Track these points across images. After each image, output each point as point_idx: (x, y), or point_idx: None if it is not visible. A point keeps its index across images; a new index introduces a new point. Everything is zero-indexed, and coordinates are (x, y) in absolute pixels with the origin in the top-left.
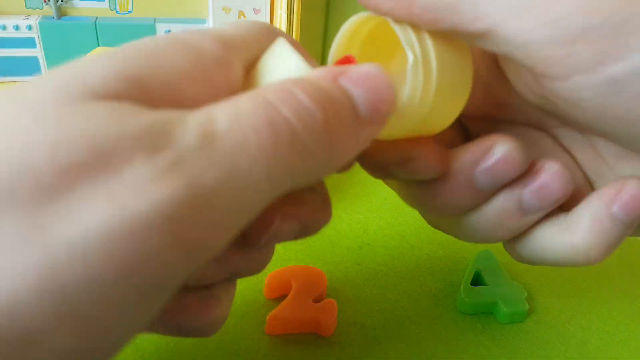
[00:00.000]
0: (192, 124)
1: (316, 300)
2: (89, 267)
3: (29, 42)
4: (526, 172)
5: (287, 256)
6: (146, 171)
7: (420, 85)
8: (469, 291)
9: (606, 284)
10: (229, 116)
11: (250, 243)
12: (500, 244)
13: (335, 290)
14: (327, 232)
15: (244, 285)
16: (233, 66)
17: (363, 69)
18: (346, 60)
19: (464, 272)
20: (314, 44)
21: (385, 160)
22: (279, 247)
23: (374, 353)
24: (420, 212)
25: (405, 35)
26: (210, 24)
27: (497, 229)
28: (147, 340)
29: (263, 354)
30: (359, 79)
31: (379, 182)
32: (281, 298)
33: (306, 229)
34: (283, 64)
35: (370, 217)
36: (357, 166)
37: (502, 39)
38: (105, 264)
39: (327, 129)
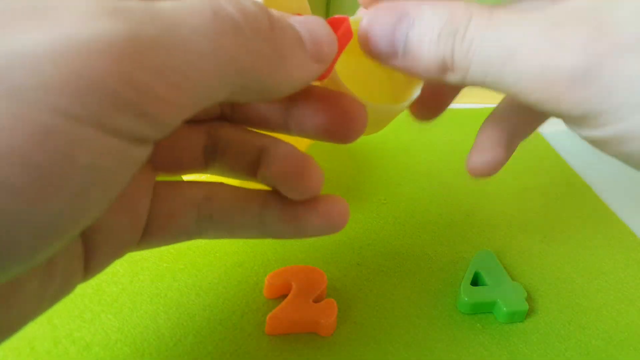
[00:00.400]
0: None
1: (316, 300)
2: (40, 74)
3: None
4: None
5: (287, 256)
6: (90, 8)
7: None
8: (469, 291)
9: (606, 284)
10: None
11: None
12: (500, 244)
13: (335, 290)
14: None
15: (244, 285)
16: None
17: (310, 18)
18: (338, 22)
19: (464, 272)
20: None
21: None
22: (279, 247)
23: (374, 353)
24: None
25: None
26: None
27: None
28: (147, 341)
29: (263, 354)
30: (305, 22)
31: (379, 182)
32: (281, 298)
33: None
34: None
35: (370, 217)
36: (358, 167)
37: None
38: (54, 72)
39: (272, 35)
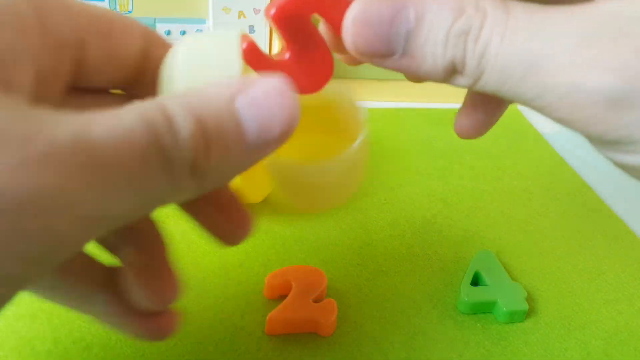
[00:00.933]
0: (69, 124)
1: (316, 300)
2: None
3: None
4: None
5: (287, 256)
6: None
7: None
8: (468, 291)
9: (606, 284)
10: (106, 127)
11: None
12: (500, 244)
13: (335, 290)
14: (327, 232)
15: (244, 285)
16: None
17: (268, 85)
18: (250, 50)
19: (464, 272)
20: None
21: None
22: (279, 247)
23: (374, 353)
24: None
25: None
26: (210, 24)
27: None
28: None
29: (263, 354)
30: (257, 99)
31: (379, 182)
32: (281, 298)
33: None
34: (221, 52)
35: (370, 217)
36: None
37: None
38: None
39: (204, 155)
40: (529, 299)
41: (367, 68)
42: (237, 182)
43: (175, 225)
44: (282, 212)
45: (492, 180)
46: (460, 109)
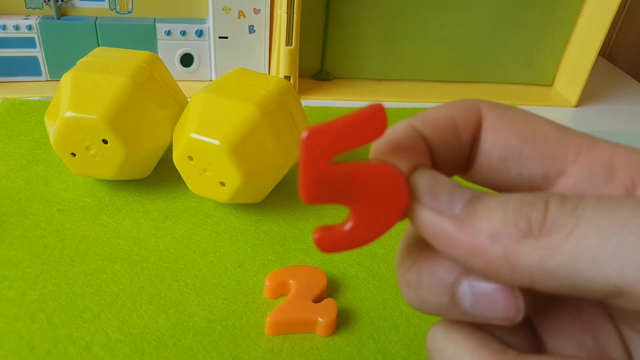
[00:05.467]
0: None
1: (316, 300)
2: None
3: (29, 42)
4: None
5: (287, 256)
6: None
7: None
8: None
9: None
10: None
11: None
12: None
13: (335, 290)
14: None
15: (244, 286)
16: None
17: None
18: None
19: None
20: (314, 44)
21: None
22: (279, 247)
23: (374, 353)
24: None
25: None
26: (210, 24)
27: None
28: (146, 341)
29: (263, 354)
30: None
31: None
32: (281, 298)
33: None
34: None
35: None
36: None
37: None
38: None
39: None
40: None
41: (367, 68)
42: (237, 182)
43: (175, 225)
44: (282, 212)
45: None
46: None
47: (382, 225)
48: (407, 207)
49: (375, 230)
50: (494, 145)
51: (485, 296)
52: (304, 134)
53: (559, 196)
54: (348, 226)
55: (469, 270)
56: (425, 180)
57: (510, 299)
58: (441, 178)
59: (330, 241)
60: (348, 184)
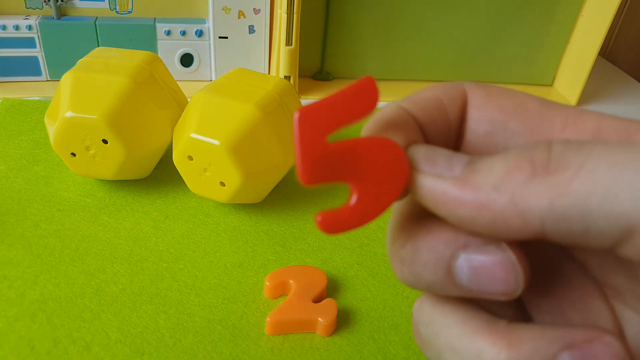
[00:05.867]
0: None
1: (316, 300)
2: None
3: (29, 42)
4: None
5: (287, 256)
6: None
7: None
8: None
9: None
10: None
11: None
12: None
13: (335, 290)
14: None
15: (244, 286)
16: None
17: None
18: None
19: None
20: (314, 44)
21: None
22: (279, 247)
23: (374, 353)
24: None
25: None
26: (210, 24)
27: None
28: (146, 341)
29: (263, 354)
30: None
31: None
32: (281, 298)
33: None
34: None
35: None
36: None
37: None
38: None
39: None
40: None
41: (367, 68)
42: (237, 182)
43: (175, 225)
44: (282, 212)
45: None
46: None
47: (385, 200)
48: (408, 177)
49: (378, 205)
50: (480, 121)
51: (483, 269)
52: (296, 114)
53: (561, 140)
54: (352, 202)
55: (477, 230)
56: (422, 150)
57: (509, 272)
58: (437, 148)
59: (334, 221)
60: (347, 160)
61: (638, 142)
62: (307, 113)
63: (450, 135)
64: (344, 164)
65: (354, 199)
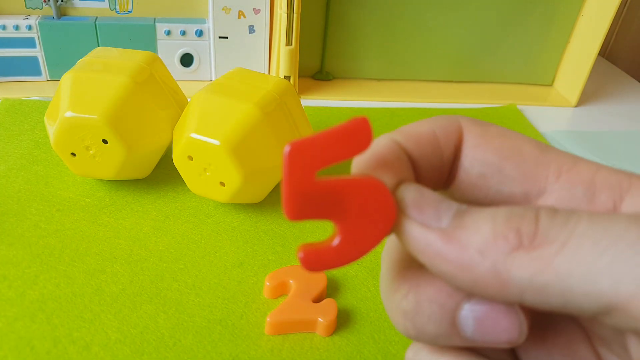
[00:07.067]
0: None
1: (316, 300)
2: None
3: (28, 42)
4: None
5: (287, 256)
6: None
7: None
8: None
9: None
10: None
11: None
12: None
13: (335, 290)
14: (327, 232)
15: (244, 286)
16: None
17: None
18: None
19: None
20: (314, 44)
21: None
22: (279, 247)
23: (374, 353)
24: None
25: None
26: (210, 24)
27: None
28: (146, 341)
29: (263, 354)
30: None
31: None
32: (281, 298)
33: None
34: None
35: None
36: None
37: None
38: None
39: None
40: None
41: (367, 68)
42: (237, 182)
43: (175, 225)
44: (282, 212)
45: None
46: None
47: (370, 241)
48: (394, 222)
49: (362, 246)
50: (474, 162)
51: (487, 320)
52: (287, 148)
53: (549, 209)
54: (335, 242)
55: (457, 286)
56: (410, 193)
57: (514, 321)
58: (426, 191)
59: (317, 259)
60: (334, 199)
61: (622, 215)
62: (298, 148)
63: (443, 172)
64: (331, 203)
65: (337, 240)
